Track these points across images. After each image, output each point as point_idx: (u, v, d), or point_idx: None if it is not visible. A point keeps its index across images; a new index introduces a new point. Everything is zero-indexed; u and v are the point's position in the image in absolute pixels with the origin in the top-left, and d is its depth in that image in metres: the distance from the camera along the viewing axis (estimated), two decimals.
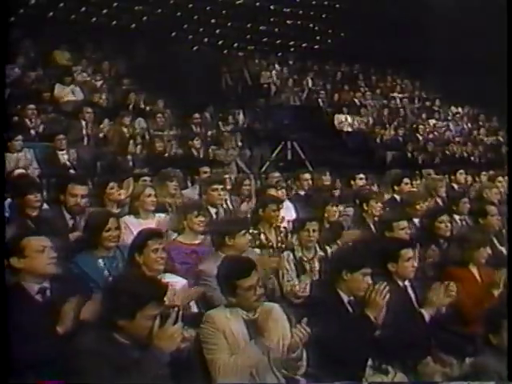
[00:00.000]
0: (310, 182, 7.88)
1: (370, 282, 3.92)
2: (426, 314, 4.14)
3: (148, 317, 2.90)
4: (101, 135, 10.03)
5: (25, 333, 3.23)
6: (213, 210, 6.15)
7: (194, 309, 4.04)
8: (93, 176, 7.88)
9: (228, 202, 6.69)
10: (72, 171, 8.51)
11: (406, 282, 4.36)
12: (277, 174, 8.43)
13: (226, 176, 7.30)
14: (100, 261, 4.27)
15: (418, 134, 13.93)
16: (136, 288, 2.95)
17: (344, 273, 3.94)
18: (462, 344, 4.05)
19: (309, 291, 4.73)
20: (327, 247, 5.27)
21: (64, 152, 8.90)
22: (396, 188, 7.29)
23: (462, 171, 8.80)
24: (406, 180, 7.41)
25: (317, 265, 5.02)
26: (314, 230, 5.12)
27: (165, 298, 3.80)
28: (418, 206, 6.24)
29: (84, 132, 9.91)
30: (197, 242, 5.01)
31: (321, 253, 5.15)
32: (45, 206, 5.59)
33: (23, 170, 7.71)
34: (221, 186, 6.29)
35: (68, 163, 8.81)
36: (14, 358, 3.13)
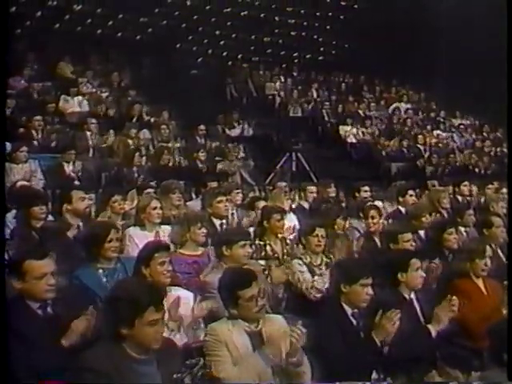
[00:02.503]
0: (315, 193, 7.89)
1: (370, 292, 3.92)
2: (432, 328, 4.12)
3: (147, 323, 2.89)
4: (106, 146, 10.06)
5: (27, 344, 3.22)
6: (217, 222, 6.16)
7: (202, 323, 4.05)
8: (98, 187, 7.90)
9: (234, 213, 6.70)
10: (77, 182, 8.54)
11: (412, 295, 4.35)
12: (284, 184, 8.44)
13: (236, 190, 7.29)
14: (100, 272, 4.27)
15: (422, 146, 13.92)
16: (133, 294, 2.93)
17: (342, 285, 3.96)
18: (467, 358, 4.02)
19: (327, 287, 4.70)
20: (332, 257, 5.28)
21: (69, 163, 8.94)
22: (401, 200, 7.28)
23: (466, 183, 8.76)
24: (411, 192, 7.39)
25: (327, 271, 5.00)
26: (322, 236, 5.16)
27: (173, 312, 3.85)
28: (423, 219, 6.23)
29: (89, 143, 9.95)
30: (198, 253, 5.05)
31: (327, 260, 5.17)
32: (50, 217, 5.60)
33: (27, 182, 7.72)
34: (225, 198, 6.30)
35: (73, 174, 8.84)
36: (14, 369, 3.12)
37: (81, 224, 5.30)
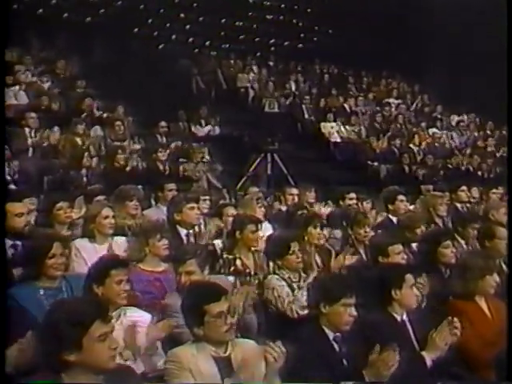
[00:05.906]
0: (293, 199, 7.91)
1: (353, 313, 3.92)
2: (427, 356, 4.09)
3: (96, 339, 2.85)
4: (49, 145, 10.00)
5: None
6: (183, 232, 6.13)
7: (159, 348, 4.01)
8: (39, 192, 7.82)
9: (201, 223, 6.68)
10: (13, 187, 8.44)
11: (405, 316, 4.35)
12: (257, 190, 8.45)
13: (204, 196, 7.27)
14: (41, 292, 4.19)
15: (416, 145, 14.07)
16: (72, 311, 2.89)
17: (322, 305, 3.96)
18: None
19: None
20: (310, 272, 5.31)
21: (4, 164, 8.85)
22: (391, 207, 7.31)
23: (464, 188, 8.82)
24: (402, 198, 7.42)
25: (307, 285, 5.01)
26: (300, 251, 5.19)
27: (129, 340, 3.80)
28: (418, 230, 6.25)
29: (29, 142, 9.88)
30: (160, 269, 5.00)
31: (305, 275, 5.19)
32: None
33: None
34: (197, 205, 6.29)
35: (8, 177, 8.74)
36: None
37: (19, 243, 5.16)
